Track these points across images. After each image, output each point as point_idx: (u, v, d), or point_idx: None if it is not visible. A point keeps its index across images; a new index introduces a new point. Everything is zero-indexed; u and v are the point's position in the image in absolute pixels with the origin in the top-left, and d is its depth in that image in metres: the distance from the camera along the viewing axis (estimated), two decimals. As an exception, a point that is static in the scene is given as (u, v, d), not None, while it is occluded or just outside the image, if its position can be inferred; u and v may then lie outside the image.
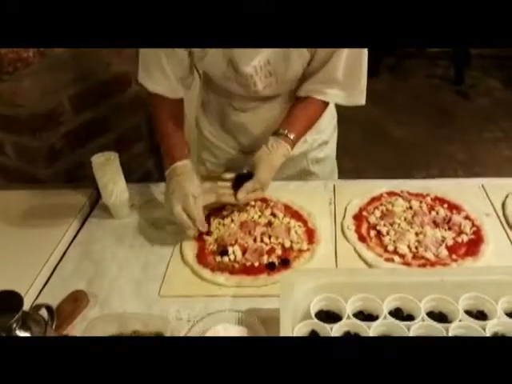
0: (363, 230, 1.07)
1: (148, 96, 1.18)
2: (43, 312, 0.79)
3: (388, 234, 1.05)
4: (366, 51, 1.08)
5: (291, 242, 1.04)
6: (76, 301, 0.93)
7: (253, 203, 1.15)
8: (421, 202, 1.13)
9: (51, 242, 1.09)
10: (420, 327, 0.75)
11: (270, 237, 1.05)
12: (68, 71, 1.42)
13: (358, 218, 1.11)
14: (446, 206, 1.12)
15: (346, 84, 1.11)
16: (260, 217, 1.12)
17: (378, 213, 1.11)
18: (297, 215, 1.13)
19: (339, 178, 1.48)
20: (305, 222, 1.10)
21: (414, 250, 1.01)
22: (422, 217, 1.08)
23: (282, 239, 1.04)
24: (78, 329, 0.88)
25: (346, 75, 1.10)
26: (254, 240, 1.05)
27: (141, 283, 0.99)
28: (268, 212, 1.13)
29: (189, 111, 1.34)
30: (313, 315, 0.77)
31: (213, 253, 1.03)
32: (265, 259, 1.00)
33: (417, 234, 1.04)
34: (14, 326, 0.69)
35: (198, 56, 1.11)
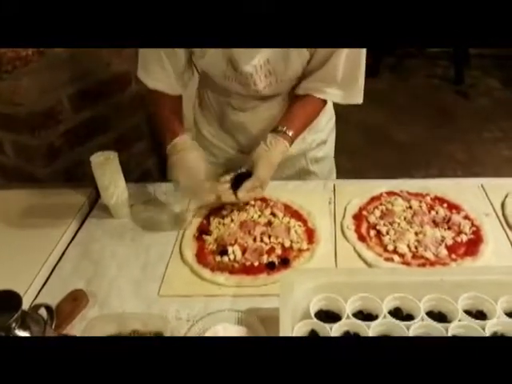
0: (363, 230, 1.07)
1: (147, 93, 1.18)
2: (42, 312, 0.79)
3: (388, 233, 1.05)
4: (364, 51, 1.09)
5: (291, 241, 1.04)
6: (75, 300, 0.93)
7: (252, 203, 1.15)
8: (420, 202, 1.13)
9: (50, 242, 1.08)
10: (419, 327, 0.75)
11: (269, 236, 1.05)
12: (67, 70, 1.42)
13: (358, 217, 1.11)
14: (445, 205, 1.12)
15: (345, 83, 1.12)
16: (260, 216, 1.12)
17: (377, 212, 1.11)
18: (296, 215, 1.13)
19: (338, 177, 1.49)
20: (304, 222, 1.10)
21: (413, 249, 1.01)
22: (421, 216, 1.08)
23: (281, 239, 1.04)
24: (77, 328, 0.88)
25: (345, 74, 1.10)
26: (254, 240, 1.05)
27: (140, 283, 0.99)
28: (268, 212, 1.13)
29: (187, 111, 1.34)
30: (312, 315, 0.77)
31: (212, 252, 1.03)
32: (264, 259, 1.00)
33: (416, 234, 1.04)
34: (13, 325, 0.69)
35: (197, 55, 1.11)
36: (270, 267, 0.98)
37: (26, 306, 0.79)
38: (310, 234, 1.07)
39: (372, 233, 1.06)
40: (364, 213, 1.12)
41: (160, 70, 1.12)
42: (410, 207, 1.12)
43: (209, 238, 1.07)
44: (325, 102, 1.19)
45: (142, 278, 1.00)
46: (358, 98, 1.15)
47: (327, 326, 0.74)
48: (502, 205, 1.13)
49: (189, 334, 0.81)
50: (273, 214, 1.12)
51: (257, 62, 1.07)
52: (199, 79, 1.30)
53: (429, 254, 0.99)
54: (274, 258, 1.00)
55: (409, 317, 0.78)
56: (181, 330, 0.85)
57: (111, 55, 1.55)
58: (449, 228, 1.06)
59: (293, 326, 0.74)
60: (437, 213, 1.10)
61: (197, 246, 1.06)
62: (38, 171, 1.47)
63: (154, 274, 1.01)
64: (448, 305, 0.78)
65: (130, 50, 1.49)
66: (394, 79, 3.87)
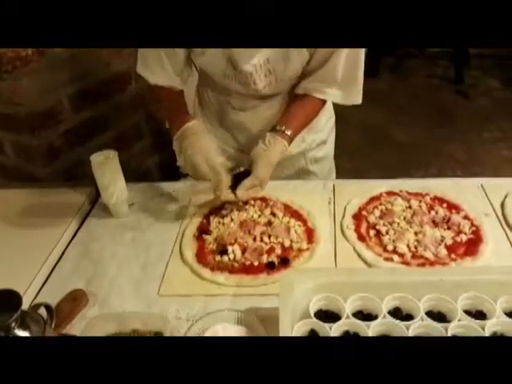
0: (362, 230, 1.07)
1: (149, 88, 1.19)
2: (42, 311, 0.79)
3: (387, 233, 1.05)
4: (363, 51, 1.09)
5: (291, 241, 1.04)
6: (75, 300, 0.93)
7: (252, 202, 1.15)
8: (420, 202, 1.13)
9: (50, 241, 1.08)
10: (419, 327, 0.75)
11: (269, 236, 1.05)
12: (67, 70, 1.42)
13: (358, 217, 1.11)
14: (445, 205, 1.12)
15: (344, 84, 1.12)
16: (260, 216, 1.12)
17: (377, 212, 1.11)
18: (296, 214, 1.13)
19: (338, 177, 1.49)
20: (304, 222, 1.10)
21: (413, 249, 1.01)
22: (421, 216, 1.08)
23: (281, 238, 1.05)
24: (77, 328, 0.88)
25: (344, 75, 1.10)
26: (254, 239, 1.05)
27: (140, 282, 0.99)
28: (267, 211, 1.13)
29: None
30: (312, 314, 0.77)
31: (212, 252, 1.03)
32: (264, 258, 1.00)
33: (416, 234, 1.04)
34: (13, 325, 0.69)
35: (196, 53, 1.12)
36: (270, 267, 0.98)
37: (25, 305, 0.79)
38: (310, 234, 1.07)
39: (372, 233, 1.06)
40: (364, 213, 1.12)
41: (160, 70, 1.13)
42: (410, 207, 1.12)
43: (209, 238, 1.07)
44: (324, 101, 1.19)
45: (141, 278, 1.00)
46: (358, 99, 1.16)
47: (327, 325, 0.74)
48: (502, 205, 1.13)
49: (188, 334, 0.81)
50: (273, 214, 1.12)
51: (256, 61, 1.07)
52: (199, 78, 1.30)
53: (428, 254, 0.99)
54: (273, 258, 1.00)
55: (408, 317, 0.78)
56: (180, 330, 0.85)
57: (111, 55, 1.55)
58: (448, 228, 1.06)
59: (292, 326, 0.74)
60: (436, 213, 1.10)
61: (197, 246, 1.06)
62: (37, 171, 1.47)
63: (154, 273, 1.01)
64: (448, 305, 0.78)
65: (130, 50, 1.49)
66: (393, 79, 3.87)
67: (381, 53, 3.81)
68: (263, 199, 1.16)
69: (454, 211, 1.10)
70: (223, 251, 1.02)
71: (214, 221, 1.12)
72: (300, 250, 1.03)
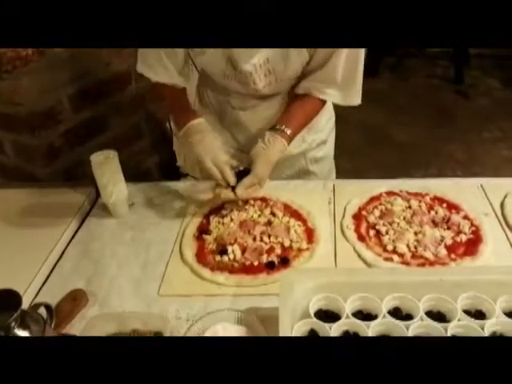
0: (362, 230, 1.07)
1: (151, 86, 1.19)
2: (42, 311, 0.79)
3: (387, 233, 1.05)
4: (363, 52, 1.09)
5: (291, 241, 1.04)
6: (75, 300, 0.93)
7: (252, 202, 1.15)
8: (420, 202, 1.13)
9: (50, 241, 1.09)
10: (419, 326, 0.75)
11: (269, 236, 1.05)
12: (67, 70, 1.42)
13: (358, 217, 1.11)
14: (444, 205, 1.12)
15: (344, 84, 1.12)
16: (259, 216, 1.12)
17: (377, 212, 1.11)
18: (296, 214, 1.13)
19: (338, 177, 1.49)
20: (304, 222, 1.11)
21: (413, 249, 1.01)
22: (421, 216, 1.08)
23: (281, 238, 1.05)
24: (76, 328, 0.88)
25: (344, 76, 1.10)
26: (254, 239, 1.05)
27: (140, 282, 0.99)
28: (267, 211, 1.13)
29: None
30: (312, 314, 0.77)
31: (212, 252, 1.04)
32: (264, 258, 1.00)
33: (416, 234, 1.04)
34: (13, 324, 0.69)
35: (196, 52, 1.12)
36: (270, 267, 0.98)
37: (25, 305, 0.79)
38: (310, 234, 1.07)
39: (371, 233, 1.06)
40: (363, 213, 1.12)
41: (162, 69, 1.13)
42: (410, 207, 1.12)
43: (208, 238, 1.07)
44: (324, 101, 1.19)
45: (141, 278, 1.00)
46: (357, 100, 1.16)
47: (327, 325, 0.74)
48: (502, 205, 1.13)
49: (188, 334, 0.81)
50: (272, 214, 1.12)
51: (256, 61, 1.07)
52: (199, 78, 1.30)
53: (428, 254, 0.99)
54: (273, 258, 1.00)
55: (408, 316, 0.78)
56: (180, 330, 0.85)
57: (111, 55, 1.55)
58: (448, 228, 1.06)
59: (292, 326, 0.74)
60: (436, 213, 1.10)
61: (197, 246, 1.06)
62: (37, 171, 1.47)
63: (154, 273, 1.01)
64: (447, 304, 0.78)
65: (130, 50, 1.49)
66: (393, 79, 3.87)
67: (381, 53, 3.81)
68: (263, 199, 1.16)
69: (453, 211, 1.10)
70: (223, 251, 1.02)
71: (213, 221, 1.12)
72: (300, 250, 1.03)
